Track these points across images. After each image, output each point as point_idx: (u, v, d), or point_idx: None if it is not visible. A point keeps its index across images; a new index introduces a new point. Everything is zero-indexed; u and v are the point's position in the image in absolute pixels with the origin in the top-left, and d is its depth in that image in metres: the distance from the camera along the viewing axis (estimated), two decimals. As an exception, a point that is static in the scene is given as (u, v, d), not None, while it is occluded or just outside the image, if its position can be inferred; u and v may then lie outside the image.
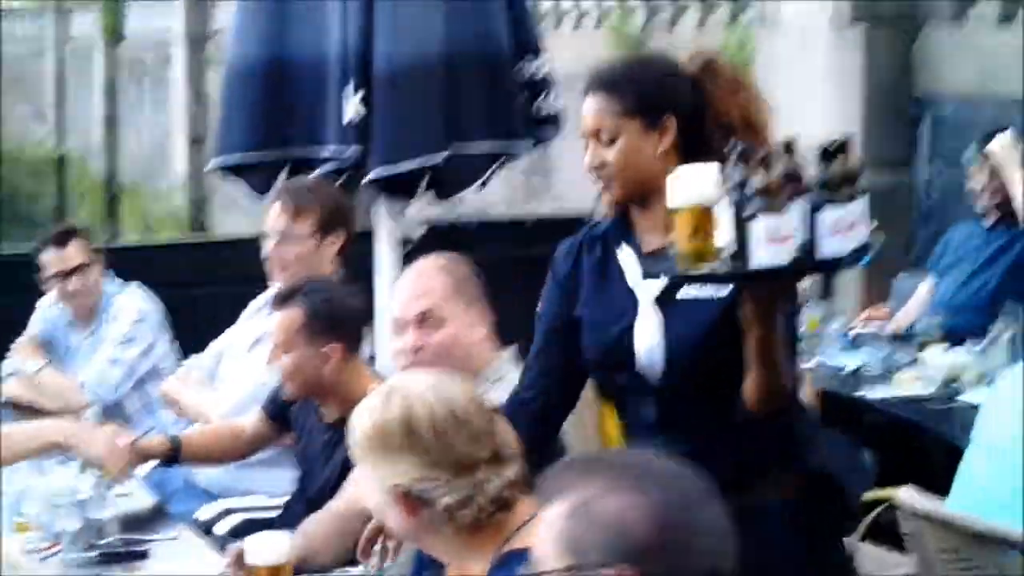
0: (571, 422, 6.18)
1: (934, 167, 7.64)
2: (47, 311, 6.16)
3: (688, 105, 3.36)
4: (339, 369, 4.36)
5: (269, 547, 3.43)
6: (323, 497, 4.16)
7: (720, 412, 3.26)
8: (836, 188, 2.99)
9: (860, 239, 2.99)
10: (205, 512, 4.93)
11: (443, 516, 2.95)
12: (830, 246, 2.96)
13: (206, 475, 5.12)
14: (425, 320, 3.81)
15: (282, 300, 4.48)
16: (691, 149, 3.30)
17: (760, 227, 2.90)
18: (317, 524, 3.98)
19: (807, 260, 2.96)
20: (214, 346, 5.53)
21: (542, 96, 5.61)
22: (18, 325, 6.18)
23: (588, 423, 6.04)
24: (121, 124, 24.98)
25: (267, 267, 5.11)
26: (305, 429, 4.57)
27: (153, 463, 5.35)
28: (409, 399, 3.00)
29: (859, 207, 2.99)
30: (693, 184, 3.03)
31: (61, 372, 6.00)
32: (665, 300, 3.31)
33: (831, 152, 3.01)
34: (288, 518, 4.37)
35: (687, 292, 3.27)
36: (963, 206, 6.57)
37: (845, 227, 2.97)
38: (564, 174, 11.74)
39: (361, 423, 3.03)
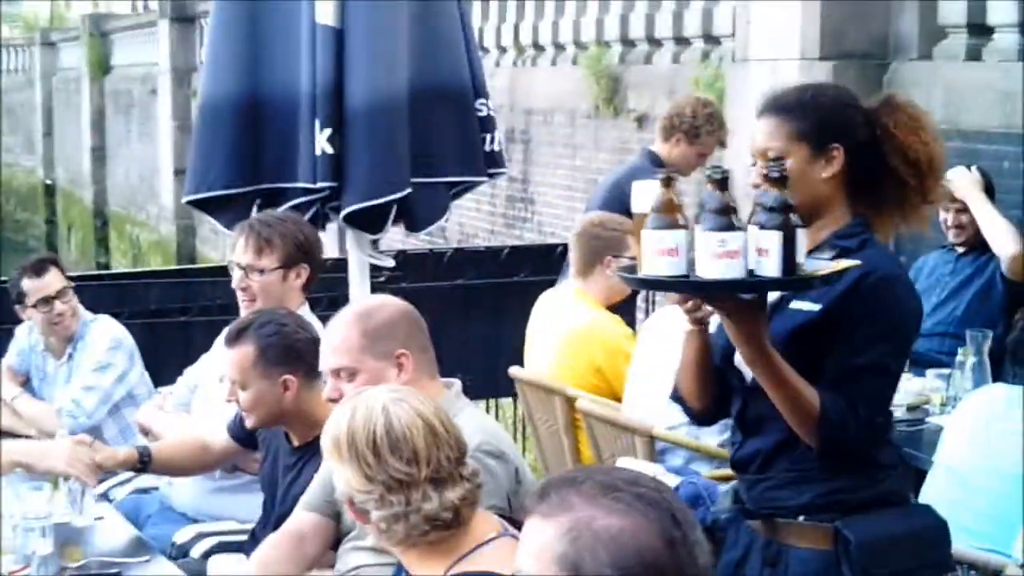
0: (549, 448, 6.31)
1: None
2: (22, 339, 6.25)
3: (859, 136, 3.50)
4: (299, 397, 4.42)
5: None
6: (286, 518, 4.24)
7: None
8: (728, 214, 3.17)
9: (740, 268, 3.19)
10: (181, 536, 5.01)
11: (380, 528, 3.05)
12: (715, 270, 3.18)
13: (180, 499, 5.20)
14: (339, 373, 3.89)
15: (234, 338, 4.53)
16: (860, 178, 3.51)
17: (713, 241, 3.15)
18: (271, 548, 4.07)
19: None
20: (189, 374, 5.61)
21: (490, 134, 5.72)
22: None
23: (567, 448, 6.14)
24: (109, 154, 25.03)
25: (238, 298, 5.22)
26: (272, 452, 4.65)
27: (126, 474, 5.49)
28: (356, 412, 3.09)
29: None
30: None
31: (37, 399, 6.09)
32: (776, 307, 3.47)
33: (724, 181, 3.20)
34: (254, 543, 4.45)
35: (796, 303, 3.45)
36: (934, 235, 6.68)
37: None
38: (545, 205, 11.85)
39: (326, 428, 3.14)
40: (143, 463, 4.73)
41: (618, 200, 6.96)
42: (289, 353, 4.45)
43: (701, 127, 7.16)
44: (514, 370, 6.45)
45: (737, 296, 3.27)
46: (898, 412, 5.53)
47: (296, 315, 4.72)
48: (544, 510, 2.32)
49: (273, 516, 4.44)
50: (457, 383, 3.93)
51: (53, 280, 5.97)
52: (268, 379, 4.43)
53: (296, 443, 4.52)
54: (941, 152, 3.53)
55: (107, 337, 6.05)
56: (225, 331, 4.69)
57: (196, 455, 4.89)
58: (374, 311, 3.92)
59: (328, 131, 5.31)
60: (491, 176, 5.91)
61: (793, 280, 3.23)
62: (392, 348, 3.83)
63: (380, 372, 3.80)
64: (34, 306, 5.96)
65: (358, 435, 3.06)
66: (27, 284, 5.98)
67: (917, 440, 5.26)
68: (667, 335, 5.25)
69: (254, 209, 5.54)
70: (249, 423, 4.59)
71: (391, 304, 3.97)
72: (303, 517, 4.04)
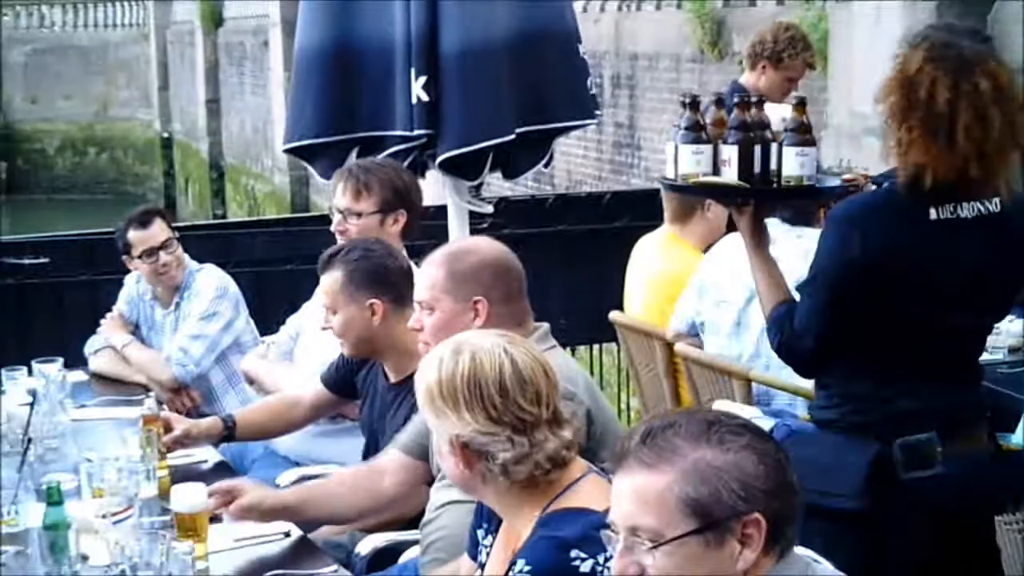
0: (651, 392, 6.33)
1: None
2: (131, 289, 6.35)
3: None
4: (387, 323, 4.54)
5: (189, 496, 3.79)
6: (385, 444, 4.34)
7: None
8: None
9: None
10: (285, 478, 5.10)
11: (499, 470, 3.09)
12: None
13: (284, 444, 5.29)
14: (423, 307, 3.98)
15: (324, 264, 4.69)
16: None
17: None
18: (350, 474, 4.28)
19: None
20: (292, 323, 5.70)
21: (588, 79, 5.74)
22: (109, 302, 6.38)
23: (667, 392, 6.17)
24: (224, 107, 25.27)
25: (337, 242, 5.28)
26: (371, 394, 4.73)
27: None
28: (478, 355, 3.13)
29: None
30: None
31: (146, 347, 6.19)
32: None
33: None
34: None
35: None
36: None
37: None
38: (651, 150, 11.83)
39: (428, 373, 3.16)
40: (228, 430, 4.83)
41: None
42: (375, 277, 4.58)
43: (784, 51, 7.13)
44: (614, 315, 6.48)
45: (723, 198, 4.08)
46: (998, 354, 5.49)
47: (387, 244, 4.81)
48: (648, 458, 2.37)
49: (379, 451, 4.51)
50: (544, 326, 3.97)
51: (158, 231, 6.06)
52: (355, 303, 4.56)
53: (393, 379, 4.60)
54: None
55: (213, 286, 6.12)
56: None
57: (282, 415, 4.98)
58: (463, 255, 3.99)
59: (423, 78, 5.33)
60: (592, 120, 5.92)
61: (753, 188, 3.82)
62: (471, 293, 3.89)
63: (456, 314, 3.88)
64: (140, 257, 6.05)
65: (485, 377, 3.10)
66: (132, 235, 6.06)
67: (1017, 382, 5.23)
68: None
69: (352, 157, 5.60)
70: (344, 350, 4.72)
71: (483, 251, 4.02)
72: (390, 454, 4.14)
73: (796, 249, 4.87)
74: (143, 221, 6.07)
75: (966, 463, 3.60)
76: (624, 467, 2.45)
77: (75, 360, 5.71)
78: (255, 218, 17.88)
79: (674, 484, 2.36)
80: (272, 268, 7.14)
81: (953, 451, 3.59)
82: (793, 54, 7.15)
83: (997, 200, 3.57)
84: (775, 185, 3.83)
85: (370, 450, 4.71)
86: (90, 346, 6.15)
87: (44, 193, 29.85)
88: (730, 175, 3.83)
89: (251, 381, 5.64)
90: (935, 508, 3.59)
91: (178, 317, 6.15)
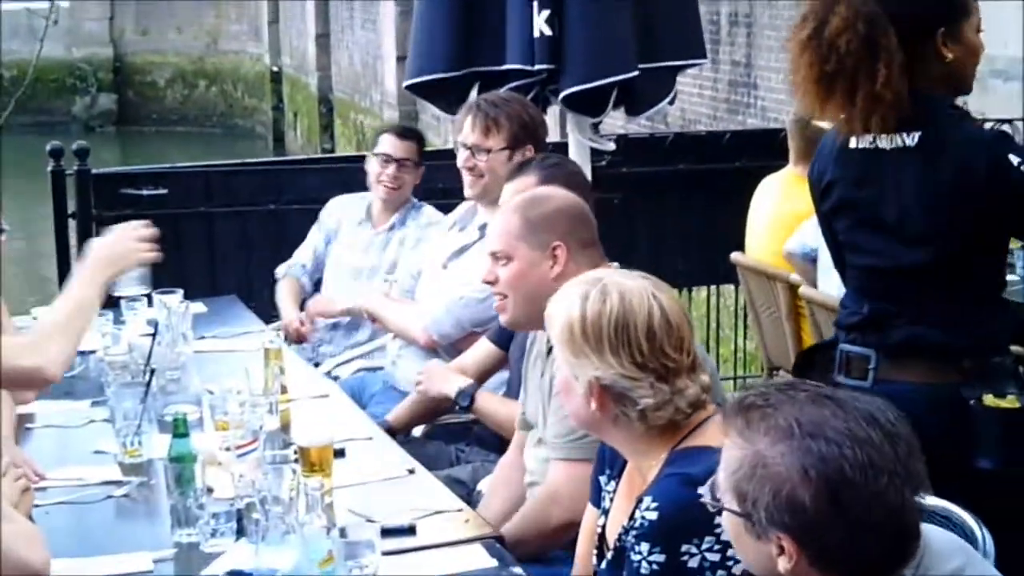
0: (771, 334, 6.26)
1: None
2: (346, 199, 6.34)
3: None
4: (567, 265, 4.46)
5: (314, 430, 3.81)
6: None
7: None
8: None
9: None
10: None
11: (638, 415, 3.03)
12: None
13: (405, 378, 5.26)
14: (498, 257, 3.92)
15: (515, 171, 4.65)
16: None
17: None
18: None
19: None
20: (412, 260, 5.67)
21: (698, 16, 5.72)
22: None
23: (788, 335, 6.10)
24: (333, 41, 25.30)
25: (463, 179, 5.23)
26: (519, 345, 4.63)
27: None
28: (627, 298, 3.04)
29: None
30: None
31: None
32: None
33: None
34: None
35: None
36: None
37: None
38: (768, 90, 11.67)
39: (571, 309, 3.07)
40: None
41: None
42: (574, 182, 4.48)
43: None
44: (736, 256, 6.41)
45: None
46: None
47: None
48: (738, 427, 2.31)
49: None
50: (615, 265, 3.90)
51: (405, 149, 6.01)
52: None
53: None
54: None
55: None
56: (460, 211, 4.97)
57: (434, 410, 4.93)
58: (539, 202, 3.95)
59: (546, 12, 5.28)
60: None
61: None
62: (549, 240, 3.84)
63: (535, 261, 3.85)
64: (377, 156, 6.04)
65: (634, 321, 3.03)
66: (383, 137, 6.08)
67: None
68: None
69: (473, 92, 5.55)
70: None
71: (558, 197, 3.98)
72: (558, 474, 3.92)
73: None
74: (402, 134, 6.07)
75: (893, 388, 3.58)
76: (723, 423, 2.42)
77: (194, 291, 5.71)
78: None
79: (732, 466, 2.31)
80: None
81: (887, 374, 3.73)
82: None
83: (917, 135, 3.65)
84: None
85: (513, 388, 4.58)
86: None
87: (154, 125, 30.04)
88: None
89: (374, 319, 5.60)
90: None
91: (388, 239, 6.08)
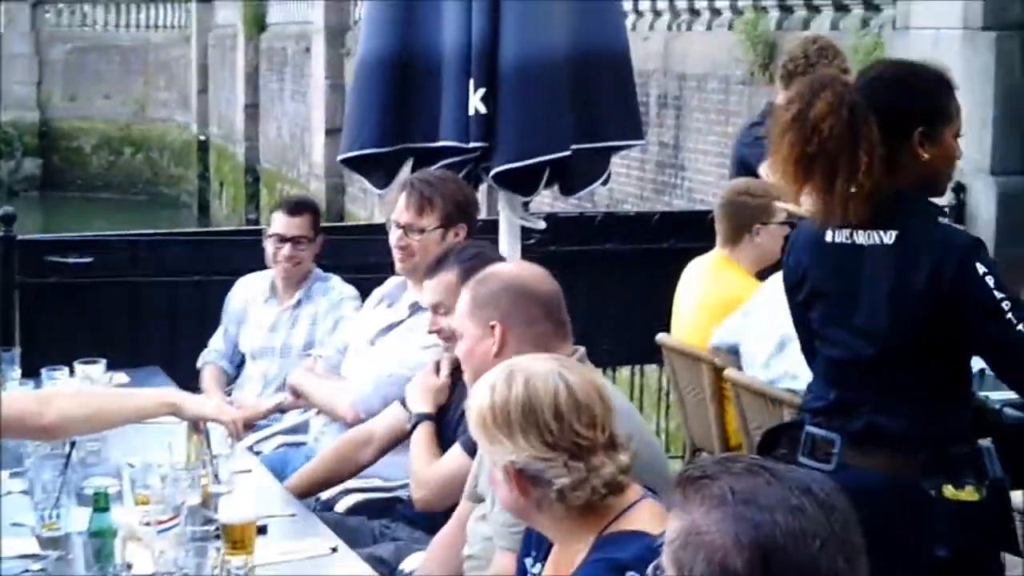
0: (695, 415, 6.27)
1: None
2: (251, 278, 6.32)
3: None
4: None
5: (237, 507, 3.77)
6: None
7: None
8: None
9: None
10: (326, 491, 5.03)
11: (556, 496, 3.02)
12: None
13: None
14: (457, 333, 3.94)
15: (435, 266, 4.63)
16: None
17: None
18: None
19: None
20: (338, 337, 5.63)
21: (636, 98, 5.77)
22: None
23: (712, 417, 6.10)
24: (262, 112, 25.29)
25: (394, 256, 5.22)
26: (454, 405, 4.63)
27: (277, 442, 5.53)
28: (532, 380, 3.06)
29: None
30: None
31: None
32: None
33: None
34: None
35: None
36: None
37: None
38: (695, 172, 11.75)
39: (480, 399, 3.10)
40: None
41: (738, 159, 6.98)
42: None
43: (816, 64, 7.09)
44: (661, 337, 6.42)
45: None
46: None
47: (492, 247, 4.75)
48: (677, 499, 2.30)
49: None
50: (581, 350, 3.89)
51: (299, 225, 6.02)
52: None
53: None
54: None
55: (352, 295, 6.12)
56: (389, 286, 4.85)
57: (351, 458, 4.88)
58: (486, 279, 3.95)
59: (482, 90, 5.29)
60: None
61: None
62: (490, 317, 3.84)
63: (479, 338, 3.85)
64: (272, 237, 6.06)
65: (539, 402, 3.04)
66: (275, 215, 6.09)
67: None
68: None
69: (406, 168, 5.55)
70: (451, 351, 4.55)
71: (505, 274, 3.97)
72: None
73: None
74: (293, 210, 6.08)
75: (856, 473, 3.69)
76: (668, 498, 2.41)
77: (115, 361, 5.65)
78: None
79: (671, 537, 2.29)
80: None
81: (850, 459, 3.79)
82: (826, 63, 7.12)
83: (894, 233, 3.73)
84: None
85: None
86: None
87: (79, 191, 29.91)
88: None
89: (297, 395, 5.55)
90: None
91: (296, 316, 6.09)
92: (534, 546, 3.28)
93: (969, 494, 3.68)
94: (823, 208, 3.79)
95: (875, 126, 3.70)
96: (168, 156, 30.50)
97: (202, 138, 28.81)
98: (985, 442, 3.78)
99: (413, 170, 5.51)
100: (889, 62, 4.19)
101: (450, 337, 4.53)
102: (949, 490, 3.67)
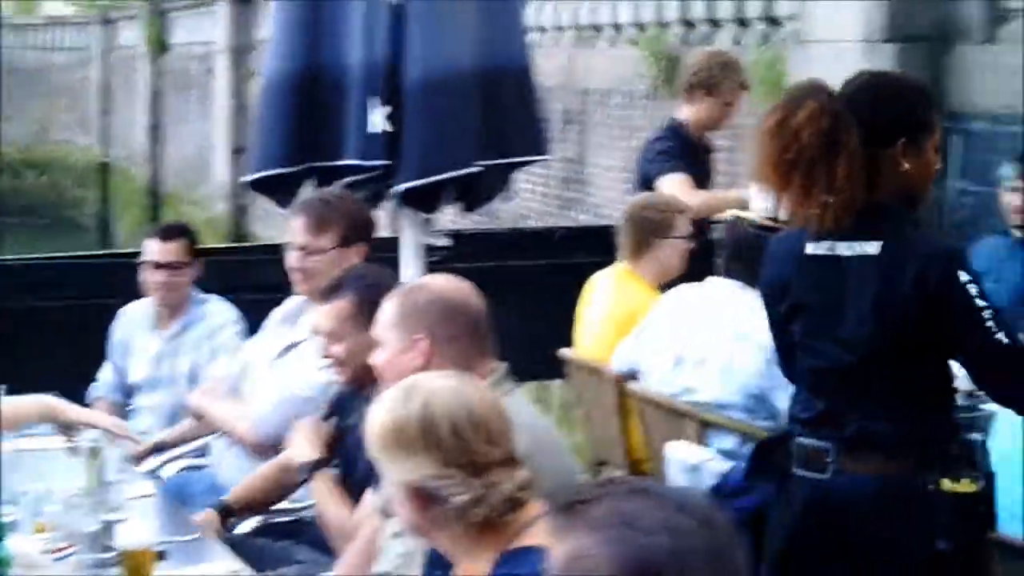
0: (599, 430, 6.27)
1: (964, 182, 7.65)
2: (132, 307, 6.24)
3: None
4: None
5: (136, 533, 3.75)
6: (368, 481, 4.17)
7: None
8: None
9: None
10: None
11: (455, 514, 3.01)
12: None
13: (230, 478, 5.17)
14: (377, 342, 3.92)
15: (329, 291, 4.57)
16: None
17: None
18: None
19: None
20: (238, 358, 5.57)
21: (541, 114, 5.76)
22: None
23: (616, 431, 6.10)
24: (165, 133, 25.14)
25: (291, 277, 5.18)
26: (351, 425, 4.57)
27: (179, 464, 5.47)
28: (429, 397, 3.05)
29: None
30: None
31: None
32: None
33: None
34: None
35: None
36: (992, 220, 6.63)
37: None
38: (600, 187, 11.78)
39: (379, 417, 3.08)
40: (226, 517, 4.70)
41: (641, 174, 7.02)
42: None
43: (716, 76, 7.19)
44: (565, 351, 6.42)
45: None
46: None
47: (388, 272, 4.71)
48: (560, 523, 2.29)
49: (356, 477, 4.37)
50: (502, 369, 3.87)
51: (174, 251, 6.03)
52: (363, 332, 4.35)
53: None
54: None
55: (231, 318, 6.10)
56: (290, 305, 4.86)
57: (278, 481, 4.82)
58: (414, 291, 3.93)
59: (385, 108, 5.26)
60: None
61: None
62: (414, 331, 3.81)
63: (402, 351, 3.82)
64: (146, 264, 6.03)
65: (437, 419, 3.03)
66: (149, 244, 6.07)
67: (971, 424, 5.20)
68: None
69: (309, 188, 5.51)
70: (339, 378, 4.60)
71: (433, 288, 3.94)
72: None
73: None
74: (166, 235, 6.04)
75: (852, 479, 3.84)
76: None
77: (15, 387, 5.55)
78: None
79: (554, 562, 2.28)
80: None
81: (845, 466, 3.86)
82: (725, 78, 7.20)
83: (878, 244, 3.79)
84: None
85: (343, 482, 4.53)
86: None
87: (-20, 216, 29.61)
88: None
89: (199, 417, 5.50)
90: (814, 505, 3.91)
91: (179, 345, 6.04)
92: (438, 564, 3.26)
93: (966, 486, 3.77)
94: (801, 215, 3.85)
95: (856, 136, 3.75)
96: (71, 179, 30.22)
97: (104, 160, 28.58)
98: (977, 436, 3.93)
99: (316, 188, 5.47)
100: (874, 73, 4.26)
101: (341, 364, 4.50)
102: (947, 483, 3.76)
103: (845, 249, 3.83)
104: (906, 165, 3.84)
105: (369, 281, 4.52)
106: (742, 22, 10.51)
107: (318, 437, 4.60)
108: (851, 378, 3.87)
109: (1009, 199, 6.42)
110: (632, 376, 5.80)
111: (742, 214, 5.87)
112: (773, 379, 5.33)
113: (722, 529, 2.26)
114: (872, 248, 3.79)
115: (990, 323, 3.74)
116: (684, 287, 5.84)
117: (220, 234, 21.09)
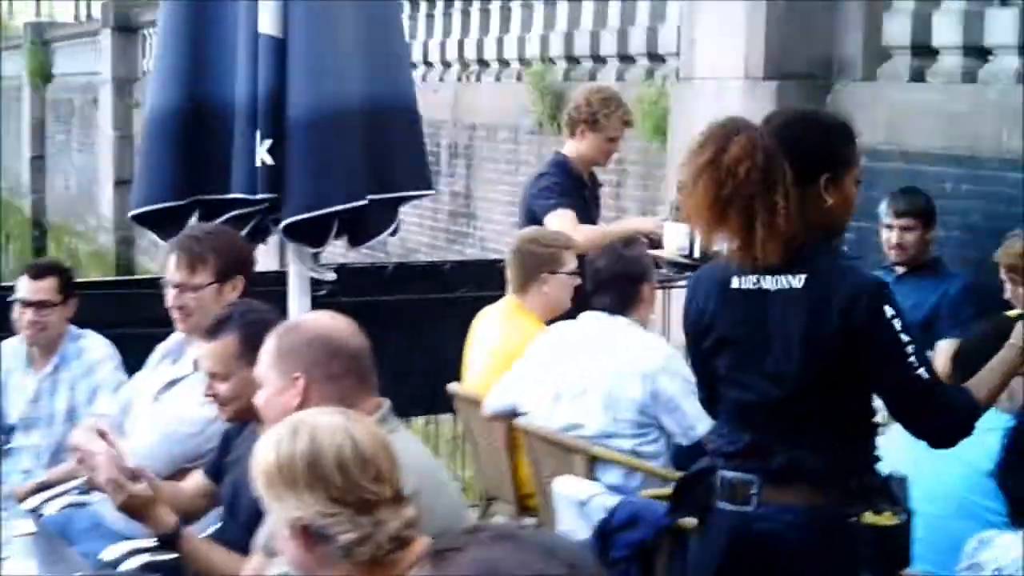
0: (489, 464, 6.28)
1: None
2: (6, 345, 6.17)
3: None
4: None
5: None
6: (254, 520, 4.13)
7: None
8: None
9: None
10: (110, 552, 4.91)
11: (341, 552, 2.99)
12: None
13: (114, 514, 5.09)
14: (258, 381, 3.90)
15: (214, 330, 4.52)
16: None
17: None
18: None
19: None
20: (122, 394, 5.52)
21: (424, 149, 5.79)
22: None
23: (505, 466, 6.11)
24: (49, 164, 24.87)
25: (172, 317, 5.15)
26: (235, 460, 4.55)
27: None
28: (316, 434, 3.03)
29: None
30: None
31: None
32: None
33: None
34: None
35: None
36: (874, 256, 6.72)
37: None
38: (487, 220, 11.82)
39: (265, 454, 3.05)
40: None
41: (527, 209, 7.06)
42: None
43: (598, 112, 7.24)
44: (453, 386, 6.42)
45: None
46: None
47: (272, 309, 4.67)
48: (427, 572, 2.30)
49: (242, 515, 4.30)
50: (386, 406, 3.86)
51: (45, 288, 5.94)
52: (250, 368, 4.36)
53: None
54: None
55: (108, 355, 6.00)
56: (171, 342, 4.76)
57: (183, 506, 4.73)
58: (292, 329, 3.90)
59: (268, 142, 5.24)
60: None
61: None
62: (292, 369, 3.79)
63: (280, 389, 3.79)
64: (17, 303, 5.95)
65: (324, 457, 3.01)
66: (20, 282, 5.99)
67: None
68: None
69: (193, 221, 5.47)
70: (225, 416, 4.55)
71: (310, 326, 3.91)
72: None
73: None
74: (37, 274, 5.96)
75: (776, 511, 3.86)
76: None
77: None
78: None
79: None
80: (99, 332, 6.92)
81: (770, 498, 3.88)
82: (608, 113, 7.25)
83: (803, 277, 3.82)
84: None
85: (229, 519, 4.49)
86: None
87: None
88: None
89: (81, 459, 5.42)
90: (738, 538, 3.92)
91: (56, 382, 5.97)
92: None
93: (888, 518, 3.79)
94: (741, 251, 3.85)
95: (789, 171, 3.76)
96: (-48, 210, 29.78)
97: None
98: (898, 471, 3.91)
99: (200, 222, 5.44)
100: (794, 109, 4.30)
101: (225, 403, 4.48)
102: (869, 516, 3.78)
103: (771, 283, 3.85)
104: (829, 200, 3.86)
105: (253, 318, 4.49)
106: (626, 58, 10.60)
107: (169, 500, 4.55)
108: (778, 411, 3.89)
109: (887, 235, 6.52)
110: (512, 415, 5.83)
111: (657, 253, 5.93)
112: (658, 402, 5.42)
113: (588, 571, 2.28)
114: (797, 282, 3.82)
115: (912, 358, 3.78)
116: (556, 326, 5.90)
117: (106, 266, 20.88)
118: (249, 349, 4.36)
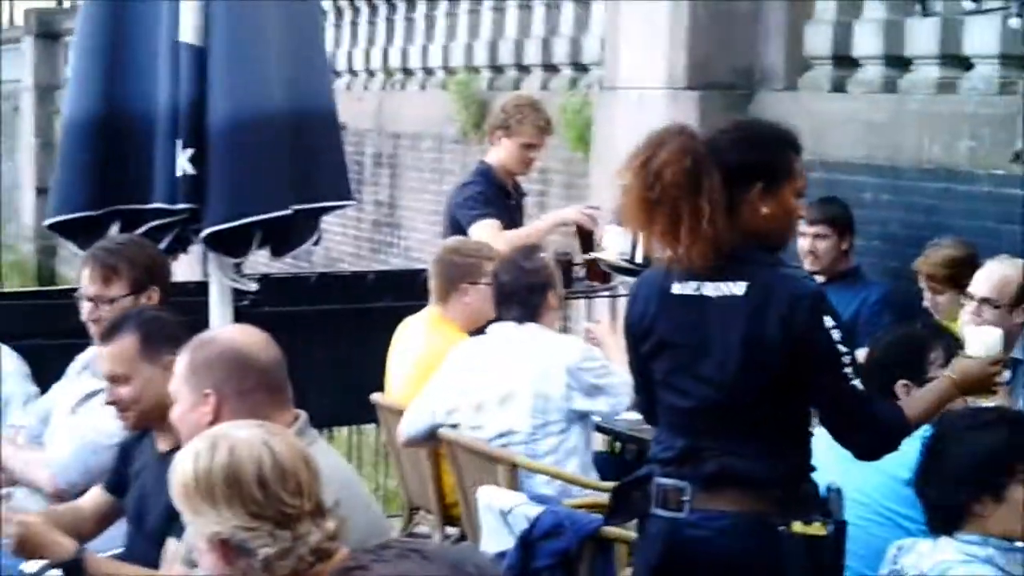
0: (412, 475, 6.26)
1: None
2: None
3: None
4: None
5: None
6: (162, 529, 4.09)
7: None
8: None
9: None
10: (31, 565, 4.86)
11: (261, 566, 2.98)
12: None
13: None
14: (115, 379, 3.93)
15: (110, 332, 4.47)
16: None
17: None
18: None
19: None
20: (40, 405, 5.47)
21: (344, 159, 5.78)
22: None
23: (428, 476, 6.10)
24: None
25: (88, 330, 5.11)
26: (138, 471, 4.51)
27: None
28: (234, 448, 3.02)
29: None
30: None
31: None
32: None
33: None
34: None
35: None
36: (793, 263, 6.77)
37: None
38: (411, 230, 11.80)
39: (184, 468, 3.04)
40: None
41: (451, 218, 7.07)
42: (171, 337, 4.33)
43: (511, 118, 7.29)
44: (376, 397, 6.41)
45: None
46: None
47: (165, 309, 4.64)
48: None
49: (148, 527, 4.28)
50: (303, 419, 3.83)
51: None
52: (156, 364, 4.32)
53: (164, 448, 4.37)
54: None
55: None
56: (88, 355, 4.75)
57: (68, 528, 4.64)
58: (203, 345, 3.86)
59: (189, 151, 5.20)
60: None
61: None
62: (203, 385, 3.76)
63: (192, 405, 3.77)
64: None
65: (243, 471, 2.99)
66: None
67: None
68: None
69: (113, 231, 5.43)
70: (126, 424, 4.50)
71: (222, 342, 3.88)
72: None
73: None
74: None
75: (708, 517, 3.90)
76: None
77: None
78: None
79: None
80: (16, 343, 6.83)
81: (701, 504, 3.91)
82: (520, 119, 7.29)
83: (744, 284, 3.87)
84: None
85: (136, 530, 4.44)
86: None
87: None
88: None
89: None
90: (671, 544, 3.96)
91: None
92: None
93: (817, 529, 3.82)
94: (669, 254, 3.91)
95: (717, 177, 3.82)
96: None
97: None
98: (834, 484, 3.93)
99: (120, 232, 5.39)
100: (738, 120, 4.36)
101: (127, 408, 4.43)
102: (798, 526, 3.81)
103: (711, 290, 3.89)
104: (764, 209, 3.91)
105: (150, 316, 4.47)
106: (550, 67, 10.62)
107: (71, 522, 4.48)
108: (713, 417, 3.92)
109: (800, 243, 6.58)
110: (428, 438, 5.81)
111: (599, 255, 5.93)
112: (584, 390, 5.46)
113: None
114: (738, 289, 3.86)
115: (847, 369, 3.84)
116: (466, 341, 5.93)
117: (27, 276, 20.69)
118: (149, 347, 4.35)
